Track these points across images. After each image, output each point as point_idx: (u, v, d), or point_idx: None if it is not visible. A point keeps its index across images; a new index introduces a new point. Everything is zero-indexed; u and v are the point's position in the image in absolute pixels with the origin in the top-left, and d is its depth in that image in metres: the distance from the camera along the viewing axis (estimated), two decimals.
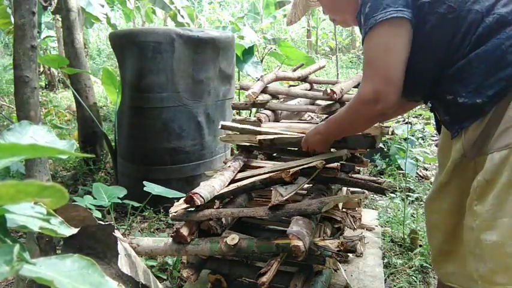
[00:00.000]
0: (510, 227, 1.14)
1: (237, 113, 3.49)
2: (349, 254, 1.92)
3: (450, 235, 1.41)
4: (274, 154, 1.92)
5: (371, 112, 1.24)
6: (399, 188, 2.97)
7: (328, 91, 1.79)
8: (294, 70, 2.35)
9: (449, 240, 1.42)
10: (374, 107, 1.21)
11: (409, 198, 2.78)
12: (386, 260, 2.08)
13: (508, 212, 1.13)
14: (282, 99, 2.17)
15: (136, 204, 2.25)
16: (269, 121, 1.86)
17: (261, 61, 4.19)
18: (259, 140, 1.67)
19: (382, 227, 2.44)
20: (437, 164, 1.53)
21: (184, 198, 1.38)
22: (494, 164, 1.14)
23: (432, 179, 3.03)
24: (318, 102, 2.15)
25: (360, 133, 1.58)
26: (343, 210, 1.86)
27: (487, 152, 1.16)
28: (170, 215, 1.40)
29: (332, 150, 1.61)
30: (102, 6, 3.85)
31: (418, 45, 1.19)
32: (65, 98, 6.31)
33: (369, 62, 1.22)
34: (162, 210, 2.56)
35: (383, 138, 3.49)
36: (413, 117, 4.15)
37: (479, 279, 1.24)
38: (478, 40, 1.14)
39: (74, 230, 0.60)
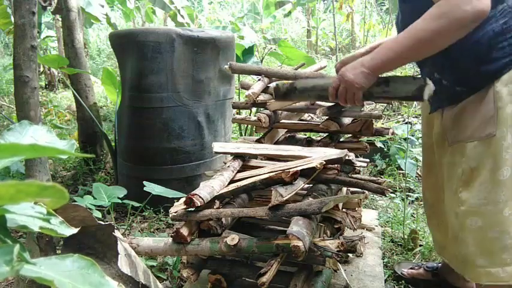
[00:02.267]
0: (494, 214, 1.22)
1: (237, 112, 3.49)
2: (349, 254, 1.93)
3: (436, 208, 1.50)
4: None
5: (466, 12, 1.01)
6: (399, 188, 2.97)
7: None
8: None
9: (436, 213, 1.51)
10: (471, 6, 1.00)
11: (409, 198, 2.78)
12: (386, 260, 2.08)
13: (493, 200, 1.22)
14: None
15: (136, 204, 2.25)
16: (269, 121, 1.86)
17: (261, 61, 4.18)
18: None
19: (382, 227, 2.44)
20: None
21: (183, 200, 1.38)
22: (478, 152, 1.21)
23: None
24: (318, 102, 2.15)
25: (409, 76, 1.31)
26: (343, 210, 1.85)
27: (466, 140, 1.23)
28: (170, 215, 1.40)
29: (334, 149, 1.60)
30: (102, 6, 3.85)
31: None
32: (65, 98, 6.31)
33: None
34: (162, 210, 2.56)
35: (383, 138, 3.49)
36: (413, 117, 4.15)
37: (462, 261, 1.34)
38: (482, 22, 1.08)
39: (74, 230, 0.60)
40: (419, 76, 1.28)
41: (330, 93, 1.30)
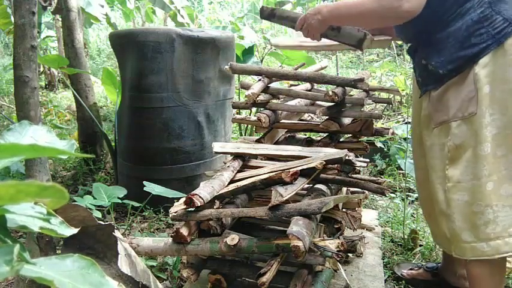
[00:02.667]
0: (478, 188, 1.30)
1: (237, 112, 3.49)
2: (349, 254, 1.93)
3: (428, 193, 1.55)
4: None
5: (394, 6, 1.26)
6: (399, 188, 2.97)
7: (330, 93, 1.79)
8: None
9: (428, 198, 1.56)
10: (400, 4, 1.25)
11: (409, 198, 2.78)
12: (386, 260, 2.09)
13: (477, 175, 1.30)
14: (282, 99, 2.16)
15: (136, 204, 2.25)
16: (269, 121, 1.86)
17: (261, 61, 4.18)
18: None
19: (382, 227, 2.44)
20: None
21: (183, 200, 1.38)
22: (461, 130, 1.32)
23: None
24: (319, 102, 2.15)
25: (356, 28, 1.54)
26: (343, 210, 1.85)
27: (451, 120, 1.34)
28: (170, 215, 1.40)
29: (334, 149, 1.60)
30: (102, 6, 3.85)
31: None
32: (65, 98, 6.31)
33: None
34: (162, 210, 2.56)
35: (383, 139, 3.49)
36: None
37: (450, 237, 1.40)
38: (462, 12, 1.30)
39: (74, 230, 0.60)
40: (364, 31, 1.53)
41: (296, 27, 1.59)
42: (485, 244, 1.31)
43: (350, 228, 1.79)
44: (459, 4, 1.30)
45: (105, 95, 5.77)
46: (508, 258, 1.48)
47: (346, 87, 1.87)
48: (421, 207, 1.76)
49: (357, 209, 2.00)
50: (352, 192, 2.07)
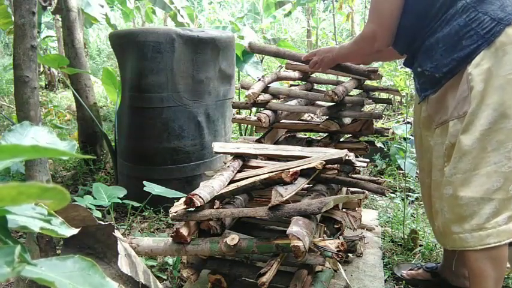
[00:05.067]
0: (462, 181, 1.36)
1: (237, 112, 3.49)
2: (349, 254, 1.93)
3: (429, 195, 1.60)
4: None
5: (370, 47, 1.58)
6: (399, 188, 2.98)
7: (330, 93, 1.79)
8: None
9: (430, 197, 1.60)
10: (372, 43, 1.54)
11: (409, 198, 2.78)
12: (386, 260, 2.09)
13: (461, 169, 1.36)
14: (282, 99, 2.16)
15: (136, 204, 2.25)
16: (269, 121, 1.86)
17: (261, 61, 4.18)
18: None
19: (382, 227, 2.44)
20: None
21: (183, 200, 1.38)
22: (456, 129, 1.37)
23: None
24: (319, 102, 2.15)
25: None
26: (343, 210, 1.85)
27: (448, 120, 1.41)
28: (170, 215, 1.40)
29: (334, 149, 1.61)
30: (102, 6, 3.85)
31: (405, 3, 1.45)
32: (65, 98, 6.31)
33: (372, 8, 1.52)
34: (162, 210, 2.56)
35: (383, 139, 3.49)
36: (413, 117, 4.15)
37: (442, 230, 1.46)
38: (446, 19, 1.39)
39: (75, 231, 0.60)
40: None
41: (305, 57, 1.87)
42: (469, 235, 1.37)
43: (350, 228, 1.80)
44: (443, 12, 1.39)
45: (105, 95, 5.78)
46: (508, 259, 1.49)
47: (358, 78, 2.05)
48: (424, 207, 1.79)
49: (357, 209, 2.00)
50: (352, 192, 2.07)
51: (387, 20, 1.49)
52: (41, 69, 6.89)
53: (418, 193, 2.93)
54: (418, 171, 1.87)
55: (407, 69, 5.21)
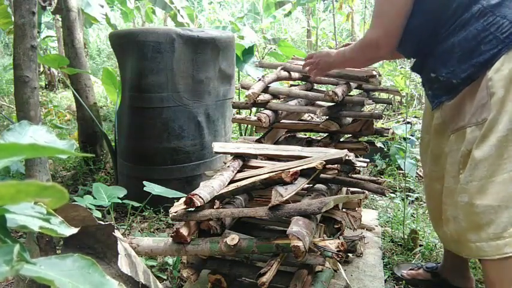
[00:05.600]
0: (478, 189, 1.31)
1: (237, 112, 3.49)
2: (349, 254, 1.93)
3: (437, 198, 1.58)
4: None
5: (372, 54, 1.53)
6: (399, 188, 2.97)
7: (330, 93, 1.79)
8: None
9: (436, 203, 1.58)
10: (376, 51, 1.48)
11: (409, 198, 2.78)
12: (386, 260, 2.08)
13: (477, 176, 1.31)
14: (282, 99, 2.16)
15: (136, 204, 2.25)
16: (269, 121, 1.86)
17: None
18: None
19: (382, 227, 2.44)
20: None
21: (183, 200, 1.38)
22: (474, 136, 1.33)
23: None
24: (319, 102, 2.15)
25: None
26: (343, 210, 1.85)
27: (466, 126, 1.35)
28: (170, 215, 1.40)
29: (334, 149, 1.60)
30: (102, 6, 3.84)
31: (415, 6, 1.39)
32: (65, 98, 6.31)
33: (376, 14, 1.46)
34: (162, 210, 2.56)
35: (383, 139, 3.49)
36: (413, 117, 4.15)
37: (458, 238, 1.42)
38: (461, 24, 1.33)
39: (74, 230, 0.60)
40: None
41: (304, 64, 1.87)
42: (485, 244, 1.32)
43: (350, 228, 1.79)
44: (457, 16, 1.33)
45: (105, 95, 5.78)
46: None
47: (352, 84, 2.01)
48: (429, 213, 1.75)
49: (357, 209, 2.00)
50: (352, 192, 2.07)
51: (393, 27, 1.41)
52: (41, 69, 6.89)
53: (418, 193, 2.93)
54: (421, 174, 1.84)
55: (407, 69, 5.21)
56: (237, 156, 1.70)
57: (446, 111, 1.43)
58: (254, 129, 3.24)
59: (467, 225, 1.36)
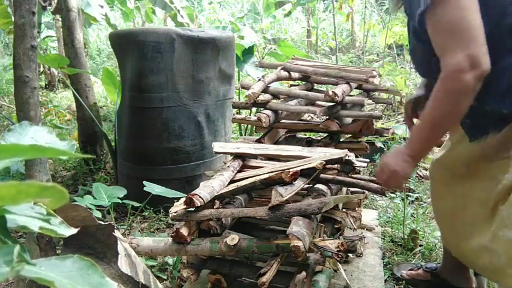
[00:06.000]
0: None
1: (237, 112, 3.49)
2: (349, 254, 1.93)
3: (459, 225, 1.48)
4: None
5: (468, 82, 1.09)
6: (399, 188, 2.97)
7: (330, 93, 1.79)
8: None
9: (459, 228, 1.48)
10: (471, 74, 1.08)
11: (409, 198, 2.78)
12: (386, 260, 2.08)
13: None
14: (282, 99, 2.17)
15: (136, 204, 2.25)
16: (269, 121, 1.86)
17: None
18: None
19: (382, 227, 2.44)
20: None
21: (183, 200, 1.38)
22: None
23: None
24: (319, 102, 2.15)
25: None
26: (343, 210, 1.85)
27: (511, 157, 1.23)
28: (170, 215, 1.40)
29: (334, 149, 1.60)
30: (102, 6, 3.85)
31: None
32: (65, 98, 6.31)
33: (448, 30, 1.11)
34: (162, 210, 2.56)
35: (383, 139, 3.49)
36: None
37: (494, 270, 1.34)
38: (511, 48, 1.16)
39: (74, 230, 0.60)
40: None
41: (376, 176, 1.44)
42: None
43: (350, 228, 1.79)
44: (505, 41, 1.17)
45: (105, 95, 5.77)
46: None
47: (352, 84, 1.98)
48: (440, 230, 1.66)
49: (357, 209, 2.00)
50: (352, 192, 2.07)
51: (478, 32, 1.09)
52: (41, 69, 6.89)
53: (418, 193, 2.93)
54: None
55: (407, 69, 5.22)
56: (237, 156, 1.70)
57: (490, 143, 1.30)
58: (254, 129, 3.24)
59: (507, 261, 1.29)
